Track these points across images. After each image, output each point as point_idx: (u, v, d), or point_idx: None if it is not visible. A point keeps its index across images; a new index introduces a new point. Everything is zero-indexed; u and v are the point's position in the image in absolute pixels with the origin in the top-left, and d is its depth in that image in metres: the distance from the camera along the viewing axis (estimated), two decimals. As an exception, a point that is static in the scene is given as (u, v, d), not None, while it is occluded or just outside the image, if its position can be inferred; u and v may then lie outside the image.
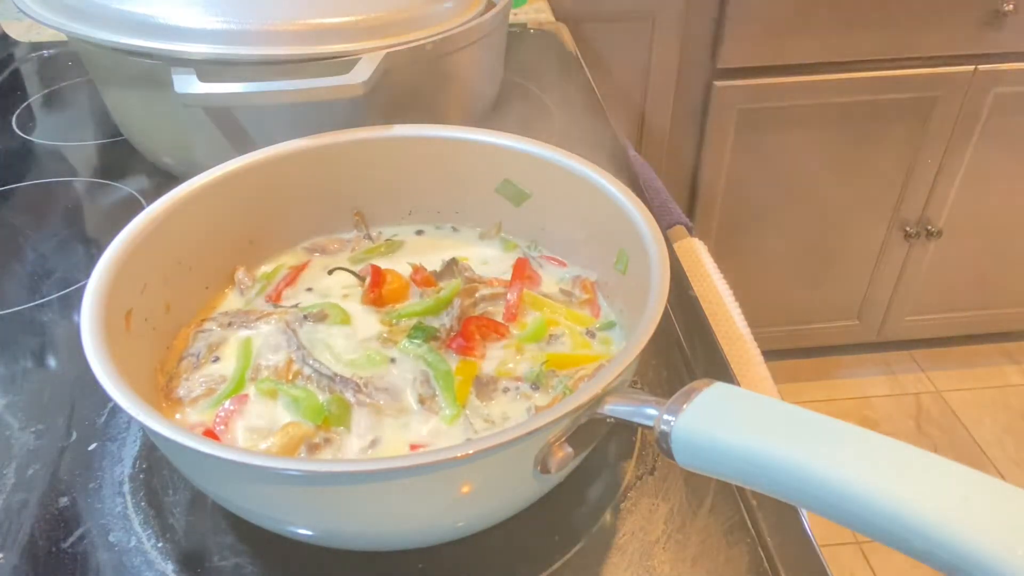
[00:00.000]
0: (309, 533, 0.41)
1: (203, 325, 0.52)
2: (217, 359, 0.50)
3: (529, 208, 0.58)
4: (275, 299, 0.55)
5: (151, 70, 0.62)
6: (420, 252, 0.59)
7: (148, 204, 0.50)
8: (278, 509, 0.39)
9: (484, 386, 0.48)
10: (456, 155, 0.58)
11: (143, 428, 0.41)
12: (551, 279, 0.57)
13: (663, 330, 0.41)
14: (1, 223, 0.73)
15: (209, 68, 0.61)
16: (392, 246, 0.60)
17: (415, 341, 0.50)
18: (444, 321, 0.51)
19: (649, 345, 0.39)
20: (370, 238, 0.61)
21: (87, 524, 0.46)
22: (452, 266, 0.56)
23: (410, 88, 0.68)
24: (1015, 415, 1.83)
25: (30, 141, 0.86)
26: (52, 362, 0.58)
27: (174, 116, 0.65)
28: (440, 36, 0.66)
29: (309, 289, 0.56)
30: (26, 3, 0.67)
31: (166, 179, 0.52)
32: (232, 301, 0.55)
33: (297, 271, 0.57)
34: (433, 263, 0.56)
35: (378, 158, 0.59)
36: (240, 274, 0.56)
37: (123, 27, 0.62)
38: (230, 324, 0.52)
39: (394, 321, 0.52)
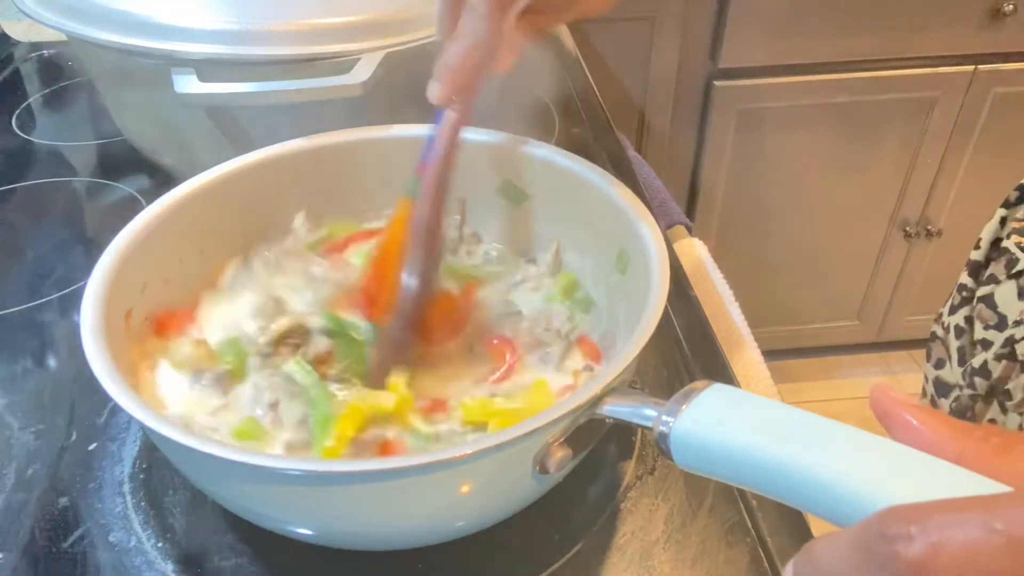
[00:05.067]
0: (309, 533, 0.41)
1: None
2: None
3: (529, 208, 0.58)
4: None
5: (151, 70, 0.62)
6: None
7: (148, 204, 0.50)
8: (278, 509, 0.39)
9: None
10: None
11: (143, 428, 0.41)
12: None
13: (663, 330, 0.41)
14: (1, 223, 0.73)
15: (209, 68, 0.60)
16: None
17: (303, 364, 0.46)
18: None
19: (649, 345, 0.39)
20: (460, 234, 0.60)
21: (87, 524, 0.46)
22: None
23: (410, 88, 0.67)
24: (1015, 415, 1.83)
25: (30, 141, 0.85)
26: (52, 362, 0.58)
27: (174, 116, 0.65)
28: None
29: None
30: (26, 3, 0.67)
31: (166, 179, 0.52)
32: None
33: None
34: None
35: (378, 158, 0.59)
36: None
37: (123, 27, 0.62)
38: None
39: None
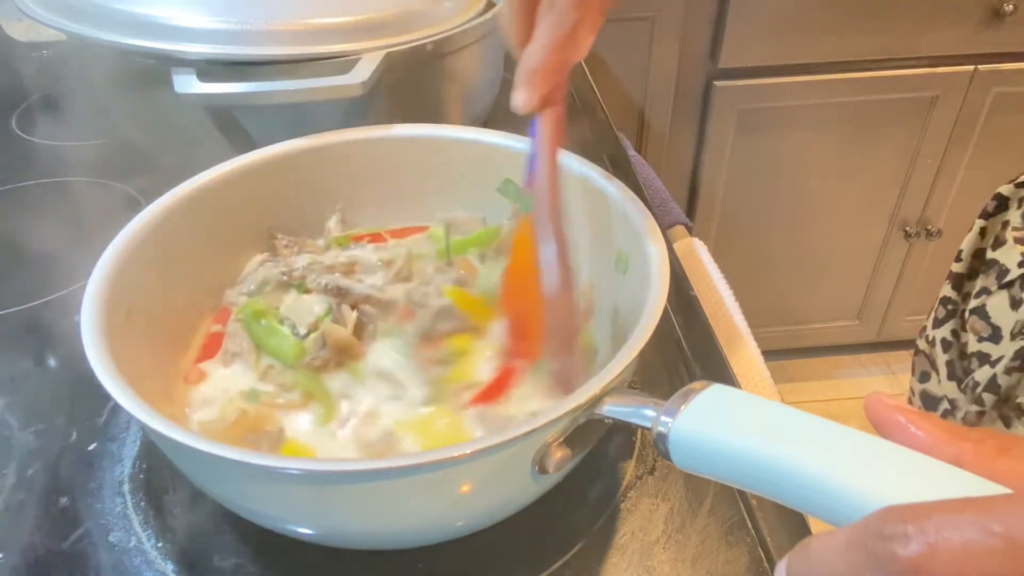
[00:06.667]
0: (309, 532, 0.41)
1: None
2: None
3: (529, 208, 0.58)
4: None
5: (151, 70, 0.62)
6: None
7: (148, 204, 0.50)
8: (278, 508, 0.39)
9: None
10: (456, 155, 0.58)
11: (143, 428, 0.41)
12: None
13: (663, 330, 0.41)
14: (1, 223, 0.73)
15: (209, 68, 0.61)
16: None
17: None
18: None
19: (649, 345, 0.39)
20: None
21: (87, 524, 0.46)
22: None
23: (410, 88, 0.68)
24: (1015, 415, 1.83)
25: (30, 141, 0.86)
26: (52, 362, 0.58)
27: (174, 116, 0.65)
28: (440, 36, 0.66)
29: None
30: (26, 3, 0.67)
31: (166, 179, 0.52)
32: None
33: None
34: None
35: (378, 158, 0.59)
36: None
37: (123, 27, 0.62)
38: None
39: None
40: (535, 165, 0.45)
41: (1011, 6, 1.37)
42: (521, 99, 0.42)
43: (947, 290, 0.67)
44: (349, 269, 0.53)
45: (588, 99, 0.94)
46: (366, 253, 0.55)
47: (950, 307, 0.66)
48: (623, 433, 0.52)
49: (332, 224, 0.59)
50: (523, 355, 0.48)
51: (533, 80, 0.41)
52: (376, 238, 0.59)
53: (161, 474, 0.49)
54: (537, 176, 0.45)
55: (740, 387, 0.47)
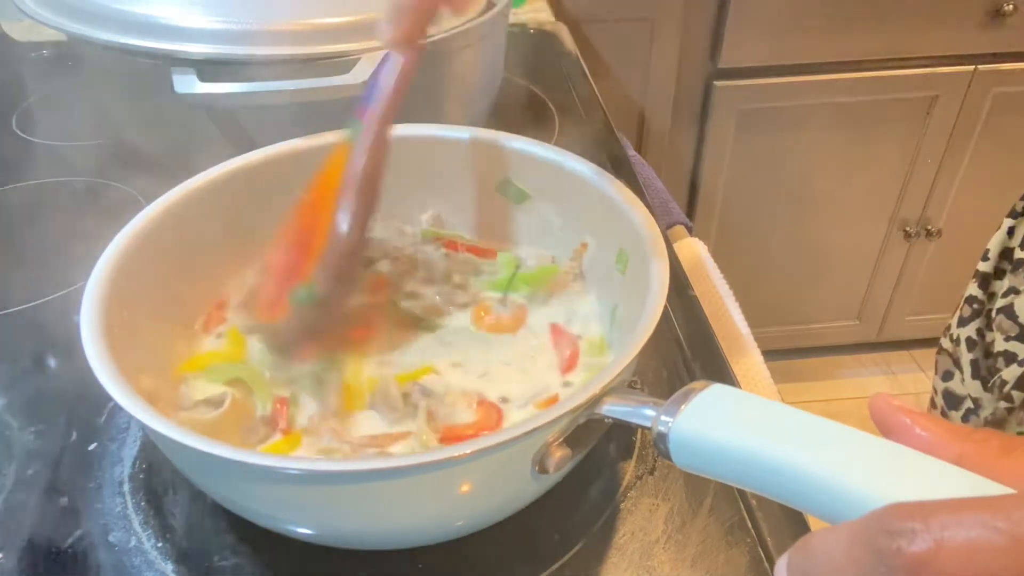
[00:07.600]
0: (309, 532, 0.41)
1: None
2: None
3: (529, 207, 0.58)
4: None
5: (151, 70, 0.62)
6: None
7: (148, 204, 0.50)
8: (278, 508, 0.39)
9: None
10: (456, 155, 0.58)
11: (143, 428, 0.41)
12: None
13: (663, 330, 0.41)
14: (1, 223, 0.73)
15: (209, 68, 0.61)
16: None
17: None
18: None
19: (649, 345, 0.39)
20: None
21: (87, 524, 0.46)
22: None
23: (410, 88, 0.67)
24: (1015, 415, 1.83)
25: (30, 141, 0.85)
26: (52, 362, 0.58)
27: (174, 116, 0.65)
28: (440, 36, 0.66)
29: None
30: (26, 3, 0.67)
31: (166, 179, 0.52)
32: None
33: None
34: None
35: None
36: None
37: (123, 27, 0.62)
38: None
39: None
40: (374, 97, 0.46)
41: (1011, 6, 1.37)
42: (383, 32, 0.44)
43: (973, 289, 0.67)
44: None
45: (588, 99, 0.94)
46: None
47: (976, 306, 0.66)
48: (623, 433, 0.52)
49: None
50: (294, 272, 0.47)
51: (398, 16, 0.43)
52: (450, 245, 0.59)
53: (161, 474, 0.49)
54: (371, 109, 0.46)
55: (740, 387, 0.47)
